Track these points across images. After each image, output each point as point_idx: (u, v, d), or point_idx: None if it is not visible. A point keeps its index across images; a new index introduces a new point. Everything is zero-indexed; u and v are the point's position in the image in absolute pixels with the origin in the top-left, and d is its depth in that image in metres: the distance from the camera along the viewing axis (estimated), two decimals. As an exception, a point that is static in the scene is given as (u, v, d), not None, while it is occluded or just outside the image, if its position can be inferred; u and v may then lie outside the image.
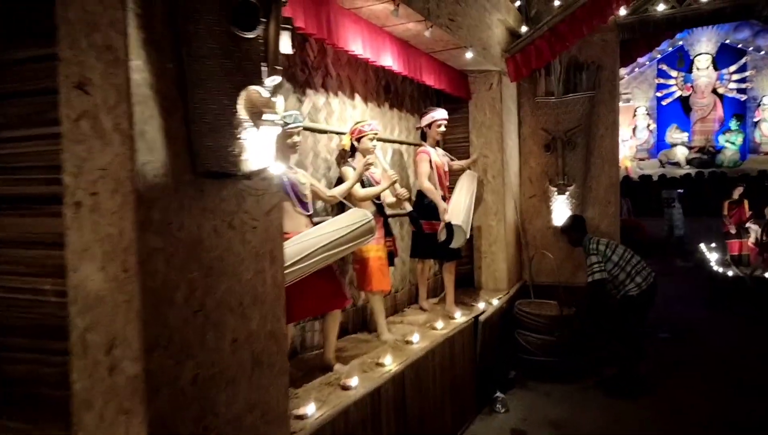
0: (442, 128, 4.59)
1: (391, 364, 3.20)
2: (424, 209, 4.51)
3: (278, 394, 2.20)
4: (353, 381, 2.84)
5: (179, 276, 1.74)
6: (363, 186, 3.81)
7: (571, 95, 5.81)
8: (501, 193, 5.55)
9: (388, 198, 3.99)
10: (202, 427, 1.81)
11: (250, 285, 2.08)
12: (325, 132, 3.86)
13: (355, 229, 3.08)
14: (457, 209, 4.44)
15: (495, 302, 5.03)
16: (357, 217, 3.17)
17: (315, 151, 3.78)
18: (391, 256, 3.94)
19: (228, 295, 1.96)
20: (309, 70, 3.71)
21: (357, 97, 4.28)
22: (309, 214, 3.13)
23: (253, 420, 2.05)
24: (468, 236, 4.34)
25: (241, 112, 1.83)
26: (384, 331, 3.82)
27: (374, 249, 3.81)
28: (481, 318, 4.49)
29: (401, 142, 4.90)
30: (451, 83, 5.21)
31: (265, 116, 1.87)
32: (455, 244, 4.30)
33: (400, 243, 4.75)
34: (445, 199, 4.59)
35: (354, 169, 3.76)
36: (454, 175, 5.16)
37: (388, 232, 3.94)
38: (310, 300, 3.04)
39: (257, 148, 1.91)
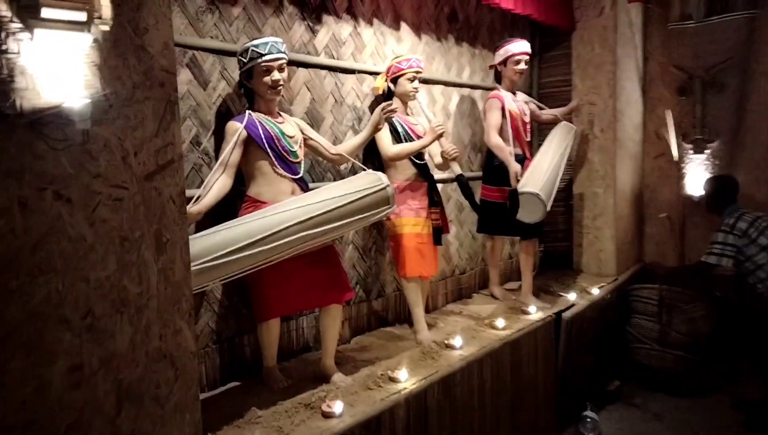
0: (522, 65, 3.50)
1: (406, 379, 2.37)
2: (493, 172, 3.52)
3: (171, 441, 1.51)
4: (337, 406, 2.07)
5: None
6: (399, 141, 2.94)
7: (718, 18, 4.28)
8: (611, 151, 4.29)
9: (437, 157, 3.07)
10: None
11: (109, 285, 1.38)
12: (350, 71, 3.02)
13: (358, 198, 2.26)
14: (537, 173, 3.38)
15: (595, 292, 3.90)
16: (364, 181, 2.35)
17: (337, 97, 2.97)
18: (438, 233, 3.05)
19: (57, 301, 1.29)
20: (327, -9, 2.88)
21: (404, 27, 3.35)
22: (296, 177, 2.35)
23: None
24: (548, 208, 3.28)
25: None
26: (421, 329, 2.98)
27: (410, 223, 2.95)
28: (567, 314, 3.44)
29: (463, 86, 3.85)
30: (546, 9, 4.03)
31: (45, 12, 1.11)
32: (527, 217, 3.27)
33: (457, 215, 3.80)
34: (525, 157, 3.55)
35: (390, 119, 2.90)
36: (546, 129, 4.06)
37: (433, 202, 3.04)
38: (298, 292, 2.31)
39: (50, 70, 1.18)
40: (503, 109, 3.45)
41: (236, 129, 2.22)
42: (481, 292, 3.98)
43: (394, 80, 2.98)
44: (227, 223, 2.05)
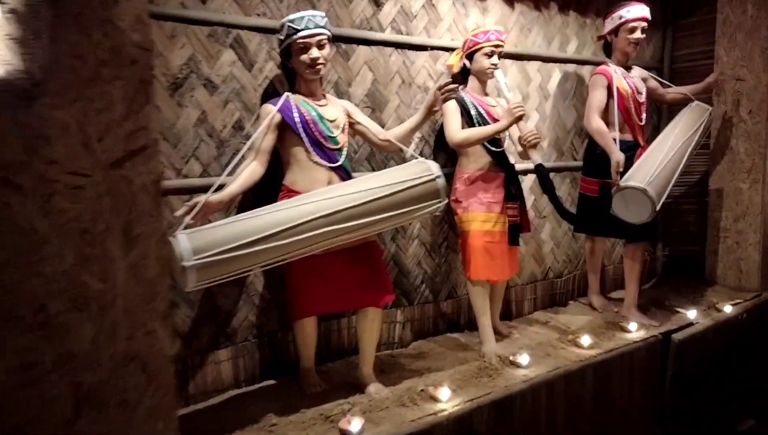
0: (637, 34, 2.92)
1: (448, 399, 2.07)
2: (594, 161, 3.02)
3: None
4: (354, 424, 1.84)
5: None
6: (472, 126, 2.59)
7: None
8: (762, 138, 3.46)
9: (518, 144, 2.67)
10: None
11: (66, 280, 1.29)
12: (422, 48, 2.72)
13: (399, 190, 2.00)
14: (648, 164, 2.79)
15: (727, 309, 3.20)
16: (409, 172, 2.07)
17: (405, 77, 2.69)
18: (515, 231, 2.65)
19: (6, 295, 1.22)
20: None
21: (489, -3, 2.95)
22: (334, 164, 2.13)
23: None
24: (658, 207, 2.69)
25: None
26: (486, 339, 2.62)
27: (479, 219, 2.60)
28: (679, 336, 2.83)
29: (567, 61, 3.32)
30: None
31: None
32: (632, 217, 2.72)
33: (553, 210, 3.30)
34: (638, 145, 2.98)
35: (462, 100, 2.58)
36: (676, 112, 3.38)
37: (510, 196, 2.65)
38: (332, 291, 2.12)
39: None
40: (610, 87, 2.91)
41: (269, 112, 2.06)
42: (580, 300, 3.47)
43: (470, 56, 2.63)
44: (247, 212, 1.90)
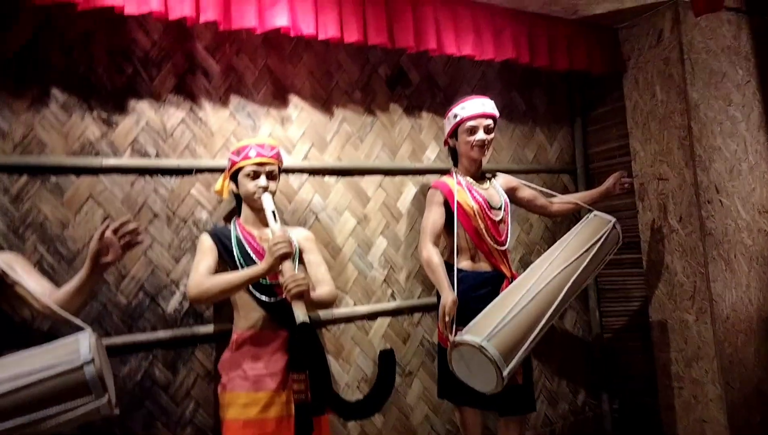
0: (480, 134, 2.24)
1: None
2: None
3: None
4: None
5: None
6: (234, 268, 1.91)
7: None
8: (700, 252, 2.58)
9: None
10: None
11: None
12: (180, 172, 2.13)
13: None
14: (500, 308, 1.98)
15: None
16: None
17: (156, 210, 2.08)
18: (302, 413, 1.84)
19: None
20: (139, 64, 2.09)
21: (294, 99, 2.38)
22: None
23: None
24: (506, 372, 1.84)
25: None
26: None
27: (240, 401, 1.83)
28: None
29: (418, 172, 2.64)
30: (562, 49, 2.74)
31: None
32: (478, 384, 1.89)
33: (404, 367, 2.46)
34: (500, 276, 2.21)
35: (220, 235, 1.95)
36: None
37: (295, 363, 1.88)
38: None
39: None
40: (449, 203, 2.20)
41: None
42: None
43: (234, 177, 2.01)
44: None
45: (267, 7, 2.00)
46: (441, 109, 2.67)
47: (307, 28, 2.08)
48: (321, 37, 2.12)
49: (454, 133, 2.30)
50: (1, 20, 1.88)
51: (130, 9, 1.80)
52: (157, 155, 2.09)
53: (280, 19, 2.02)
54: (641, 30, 2.81)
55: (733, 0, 2.76)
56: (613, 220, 2.36)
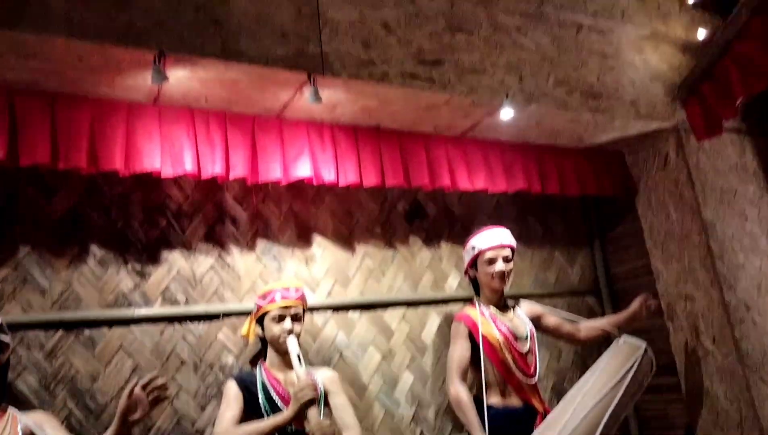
0: (500, 265, 2.28)
1: None
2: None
3: None
4: None
5: None
6: (260, 415, 1.89)
7: None
8: (740, 377, 2.46)
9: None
10: None
11: None
12: (207, 317, 2.18)
13: None
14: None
15: None
16: None
17: (183, 357, 2.10)
18: None
19: None
20: (173, 216, 2.22)
21: (317, 238, 2.48)
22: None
23: None
24: None
25: None
26: None
27: None
28: None
29: (440, 302, 2.65)
30: (572, 176, 2.85)
31: None
32: None
33: None
34: (532, 411, 2.13)
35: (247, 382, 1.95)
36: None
37: None
38: None
39: None
40: (471, 336, 2.19)
41: None
42: None
43: (260, 321, 2.05)
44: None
45: (291, 160, 2.16)
46: (459, 238, 2.74)
47: (328, 177, 2.23)
48: (341, 183, 2.26)
49: (473, 264, 2.35)
50: (51, 185, 2.05)
51: (167, 172, 1.97)
52: (187, 302, 2.16)
53: (303, 171, 2.17)
54: (647, 154, 2.93)
55: (732, 121, 2.89)
56: (644, 344, 2.30)
